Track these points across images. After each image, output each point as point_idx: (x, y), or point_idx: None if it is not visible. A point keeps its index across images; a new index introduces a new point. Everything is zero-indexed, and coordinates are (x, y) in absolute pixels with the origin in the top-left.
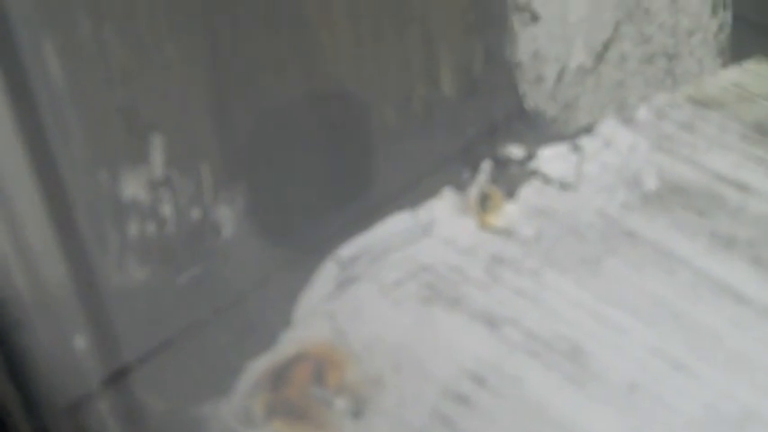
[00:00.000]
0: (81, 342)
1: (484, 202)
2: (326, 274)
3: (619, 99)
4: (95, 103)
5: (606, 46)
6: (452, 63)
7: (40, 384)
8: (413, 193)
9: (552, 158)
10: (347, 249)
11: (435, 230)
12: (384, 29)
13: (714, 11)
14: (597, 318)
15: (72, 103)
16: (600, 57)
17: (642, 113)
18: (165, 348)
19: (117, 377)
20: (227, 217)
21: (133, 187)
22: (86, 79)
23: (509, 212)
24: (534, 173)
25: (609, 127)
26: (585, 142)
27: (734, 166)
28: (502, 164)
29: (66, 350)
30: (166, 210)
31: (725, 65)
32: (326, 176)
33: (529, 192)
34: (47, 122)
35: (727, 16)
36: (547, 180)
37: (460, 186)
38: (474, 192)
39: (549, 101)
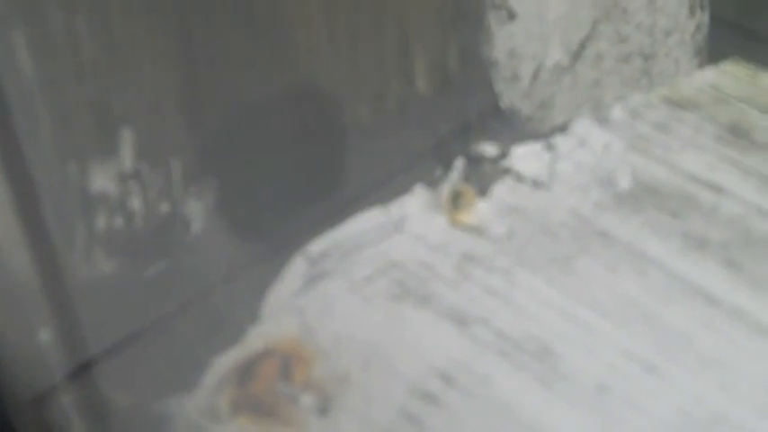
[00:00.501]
0: (46, 335)
1: (456, 200)
2: (295, 269)
3: (594, 98)
4: (65, 95)
5: (583, 45)
6: (427, 60)
7: (4, 377)
8: (385, 189)
9: (525, 157)
10: (317, 245)
11: (406, 227)
12: (359, 25)
13: (692, 11)
14: (568, 318)
15: (42, 96)
16: (576, 55)
17: (617, 113)
18: (131, 342)
19: (82, 371)
20: (197, 211)
21: (102, 180)
22: (57, 72)
23: (481, 210)
24: (507, 171)
25: (583, 126)
26: (559, 141)
27: (708, 168)
28: (475, 161)
29: (30, 343)
30: (135, 203)
31: (701, 65)
32: (298, 172)
33: (501, 190)
34: (16, 114)
35: (704, 17)
36: (520, 178)
37: (433, 183)
38: (446, 189)
39: (525, 99)
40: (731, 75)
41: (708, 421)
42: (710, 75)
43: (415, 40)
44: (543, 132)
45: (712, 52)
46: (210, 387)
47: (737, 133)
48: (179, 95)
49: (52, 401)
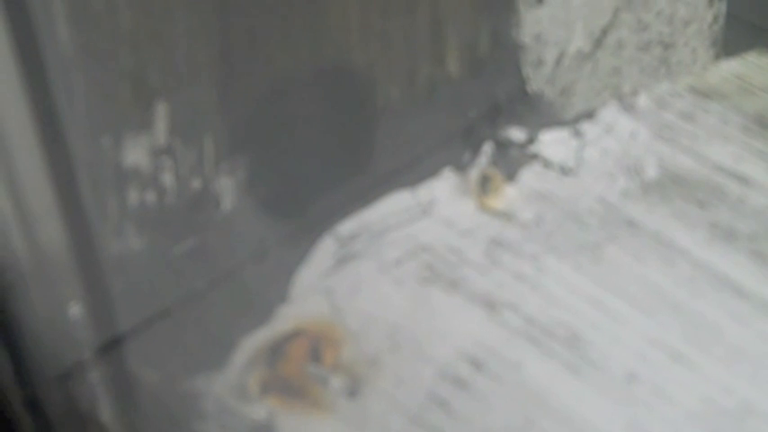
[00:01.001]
0: (76, 309)
1: (484, 184)
2: (325, 250)
3: (614, 86)
4: (103, 67)
5: (605, 32)
6: (459, 42)
7: (33, 351)
8: (413, 172)
9: (553, 143)
10: (346, 226)
11: (435, 211)
12: (392, 5)
13: (710, 1)
14: (596, 305)
15: (79, 68)
16: (598, 42)
17: (643, 101)
18: (160, 319)
19: (110, 347)
20: (227, 189)
21: (135, 155)
22: (95, 44)
23: (509, 195)
24: (535, 156)
25: (610, 113)
26: (586, 128)
27: (734, 159)
28: (503, 146)
29: (60, 317)
30: (167, 179)
31: (718, 57)
32: (328, 152)
33: (529, 175)
34: (53, 86)
35: (722, 7)
36: (547, 164)
37: (461, 167)
38: (474, 173)
39: (548, 85)
40: (756, 65)
41: (736, 411)
42: (735, 65)
43: (448, 21)
44: (567, 119)
45: (727, 45)
46: (240, 366)
47: (763, 124)
48: (213, 71)
49: (80, 377)
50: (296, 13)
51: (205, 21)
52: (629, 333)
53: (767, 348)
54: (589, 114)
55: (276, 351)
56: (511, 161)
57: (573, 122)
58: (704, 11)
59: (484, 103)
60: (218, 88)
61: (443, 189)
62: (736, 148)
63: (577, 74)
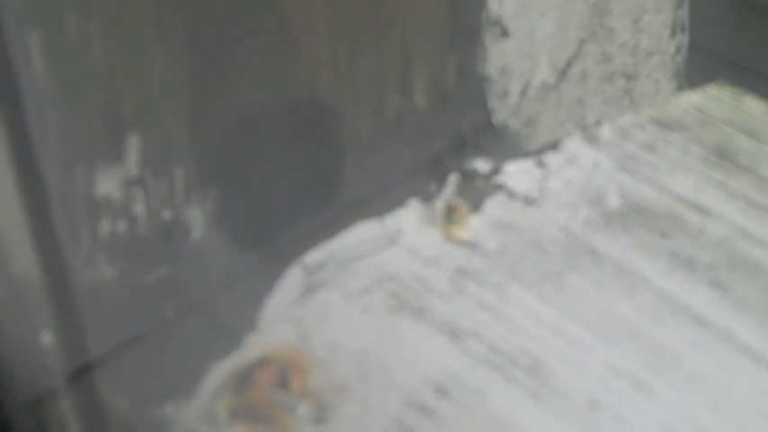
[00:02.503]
0: (47, 338)
1: (450, 215)
2: (292, 279)
3: (578, 116)
4: (76, 100)
5: (569, 63)
6: (426, 75)
7: (4, 378)
8: (380, 202)
9: (517, 173)
10: (313, 256)
11: (401, 240)
12: (362, 39)
13: (673, 33)
14: (559, 334)
15: (54, 99)
16: (563, 74)
17: (606, 132)
18: (130, 347)
19: (81, 374)
20: (198, 219)
21: (107, 185)
22: (69, 76)
23: (474, 225)
24: (500, 187)
25: (573, 144)
26: (550, 158)
27: (695, 189)
28: (468, 177)
29: (32, 345)
30: (138, 209)
31: (680, 88)
32: (296, 183)
33: (494, 206)
34: (27, 117)
35: (684, 39)
36: (511, 195)
37: (427, 198)
38: (440, 204)
39: (512, 116)
40: (716, 97)
41: None
42: (696, 97)
43: (416, 55)
44: (531, 149)
45: (688, 76)
46: (208, 393)
47: (723, 156)
48: (185, 104)
49: (51, 404)
50: (267, 48)
51: (177, 54)
52: (590, 361)
53: (726, 376)
54: (553, 145)
55: (244, 378)
56: (476, 191)
57: (537, 153)
58: (667, 42)
59: (450, 135)
60: (189, 121)
61: (410, 219)
62: (696, 179)
63: (542, 105)
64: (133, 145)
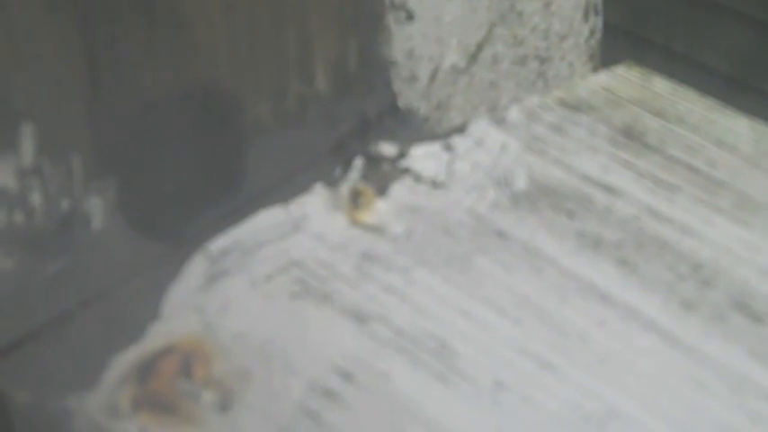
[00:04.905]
0: None
1: (355, 199)
2: (196, 267)
3: (491, 100)
4: None
5: (479, 47)
6: (327, 60)
7: None
8: (285, 188)
9: (424, 157)
10: (218, 243)
11: (307, 226)
12: (260, 24)
13: (585, 16)
14: (465, 315)
15: None
16: (473, 58)
17: (513, 115)
18: (31, 339)
19: None
20: (98, 208)
21: (2, 176)
22: None
23: (380, 209)
24: (406, 171)
25: (480, 127)
26: (457, 142)
27: (602, 169)
28: (374, 161)
29: None
30: (35, 199)
31: (595, 69)
32: (199, 170)
33: (400, 189)
34: None
35: (598, 22)
36: (418, 178)
37: (332, 183)
38: (345, 188)
39: (422, 100)
40: (624, 78)
41: (600, 415)
42: (604, 78)
43: (316, 39)
44: (441, 133)
45: (604, 57)
46: (111, 384)
47: (630, 136)
48: (81, 92)
49: None
50: (162, 34)
51: (70, 43)
52: (496, 342)
53: (631, 353)
54: (460, 128)
55: (147, 368)
56: (382, 176)
57: (444, 136)
58: (580, 25)
59: (354, 119)
60: (85, 108)
61: (315, 204)
62: (603, 159)
63: (453, 89)
64: (27, 134)
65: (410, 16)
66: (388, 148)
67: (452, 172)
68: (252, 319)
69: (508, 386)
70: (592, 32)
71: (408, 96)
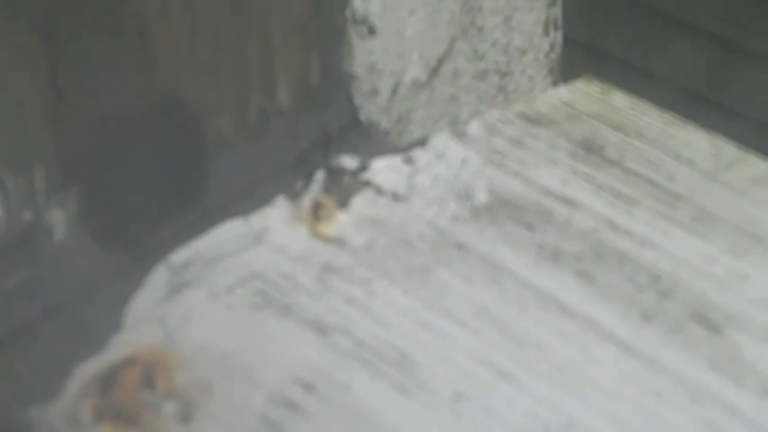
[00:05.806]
0: None
1: (316, 212)
2: (158, 279)
3: (451, 114)
4: None
5: (440, 61)
6: (289, 74)
7: None
8: (246, 200)
9: (385, 170)
10: (179, 255)
11: (268, 238)
12: (222, 38)
13: (546, 31)
14: (425, 327)
15: None
16: (434, 72)
17: (474, 128)
18: None
19: None
20: (60, 220)
21: None
22: None
23: (341, 222)
24: (367, 183)
25: (441, 140)
26: (418, 155)
27: (562, 183)
28: (335, 174)
29: None
30: None
31: (555, 83)
32: (161, 183)
33: (361, 202)
34: None
35: (558, 36)
36: (379, 191)
37: (294, 195)
38: (307, 201)
39: (384, 114)
40: (584, 92)
41: (559, 426)
42: (564, 92)
43: (278, 53)
44: (402, 146)
45: (564, 71)
46: (72, 395)
47: (590, 149)
48: (42, 104)
49: None
50: (124, 47)
51: (32, 54)
52: (456, 353)
53: (591, 364)
54: (421, 141)
55: (109, 379)
56: (343, 188)
57: (405, 150)
58: (540, 40)
59: (315, 133)
60: (47, 121)
61: (276, 217)
62: (563, 172)
63: (414, 102)
64: None
65: (372, 31)
66: (349, 162)
67: (413, 185)
68: (213, 331)
69: (468, 397)
70: (552, 47)
71: (370, 110)
